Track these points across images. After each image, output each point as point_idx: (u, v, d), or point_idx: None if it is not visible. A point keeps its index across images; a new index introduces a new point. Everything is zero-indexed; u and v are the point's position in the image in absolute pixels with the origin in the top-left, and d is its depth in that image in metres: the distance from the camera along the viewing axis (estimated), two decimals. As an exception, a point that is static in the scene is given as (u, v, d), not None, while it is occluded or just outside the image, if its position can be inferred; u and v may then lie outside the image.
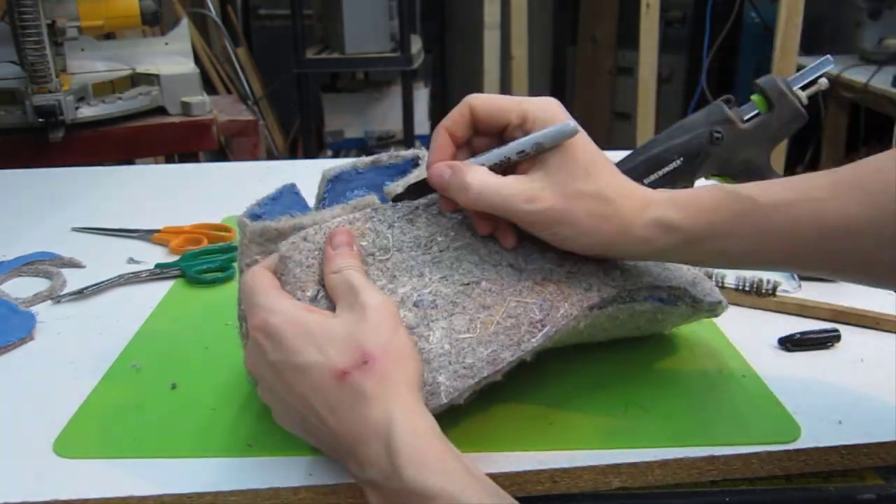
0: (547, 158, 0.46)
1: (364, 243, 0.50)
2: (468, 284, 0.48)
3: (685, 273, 0.56)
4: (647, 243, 0.47)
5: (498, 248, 0.50)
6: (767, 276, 0.68)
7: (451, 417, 0.52)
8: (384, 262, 0.49)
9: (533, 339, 0.47)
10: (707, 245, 0.47)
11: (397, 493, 0.38)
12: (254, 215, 0.54)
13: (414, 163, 0.57)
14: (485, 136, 0.49)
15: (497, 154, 0.48)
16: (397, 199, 0.51)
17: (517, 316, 0.47)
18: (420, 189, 0.51)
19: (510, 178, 0.47)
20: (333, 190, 0.56)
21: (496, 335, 0.47)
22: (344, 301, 0.45)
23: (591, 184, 0.46)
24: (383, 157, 0.58)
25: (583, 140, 0.47)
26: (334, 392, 0.41)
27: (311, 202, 0.58)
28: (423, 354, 0.46)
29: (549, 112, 0.47)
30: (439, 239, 0.50)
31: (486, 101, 0.48)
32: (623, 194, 0.47)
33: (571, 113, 0.49)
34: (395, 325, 0.44)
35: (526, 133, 0.47)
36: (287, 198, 0.57)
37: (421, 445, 0.39)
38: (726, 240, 0.47)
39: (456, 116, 0.48)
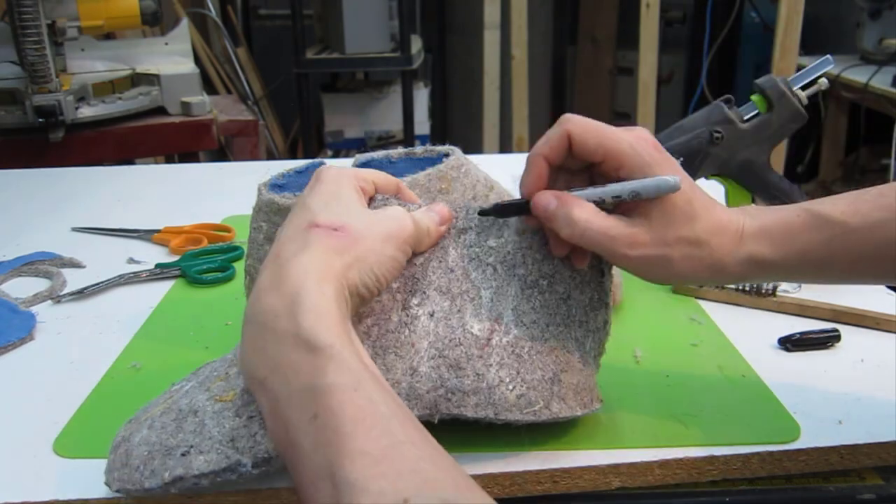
0: (648, 205, 0.47)
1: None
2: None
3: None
4: (740, 278, 0.49)
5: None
6: (767, 276, 0.68)
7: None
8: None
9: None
10: (800, 273, 0.49)
11: (284, 335, 0.39)
12: (274, 185, 0.57)
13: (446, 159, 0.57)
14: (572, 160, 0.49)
15: (593, 193, 0.47)
16: (483, 213, 0.51)
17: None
18: (508, 209, 0.50)
19: (614, 220, 0.47)
20: None
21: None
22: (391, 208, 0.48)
23: (689, 230, 0.47)
24: (418, 149, 0.59)
25: (683, 185, 0.47)
26: (294, 233, 0.44)
27: None
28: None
29: (646, 157, 0.46)
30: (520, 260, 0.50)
31: (584, 133, 0.47)
32: (717, 232, 0.47)
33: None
34: (387, 238, 0.45)
35: (619, 177, 0.47)
36: (313, 173, 0.58)
37: (323, 307, 0.40)
38: (820, 267, 0.47)
39: (554, 144, 0.48)
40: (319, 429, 0.36)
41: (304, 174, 0.58)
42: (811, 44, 2.31)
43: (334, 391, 0.37)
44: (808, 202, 0.48)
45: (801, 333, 0.61)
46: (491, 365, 0.47)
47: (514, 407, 0.46)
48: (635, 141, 0.47)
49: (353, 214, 0.45)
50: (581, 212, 0.46)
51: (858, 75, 2.28)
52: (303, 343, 0.38)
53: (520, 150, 2.61)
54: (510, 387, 0.46)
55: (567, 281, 0.50)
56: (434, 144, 0.59)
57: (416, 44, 2.64)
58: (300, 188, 0.56)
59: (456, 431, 0.50)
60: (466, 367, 0.46)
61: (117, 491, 0.44)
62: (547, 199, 0.48)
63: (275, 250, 0.43)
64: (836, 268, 0.47)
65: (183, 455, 0.43)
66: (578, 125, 0.47)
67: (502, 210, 0.50)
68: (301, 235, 0.43)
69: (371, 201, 0.49)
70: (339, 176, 0.47)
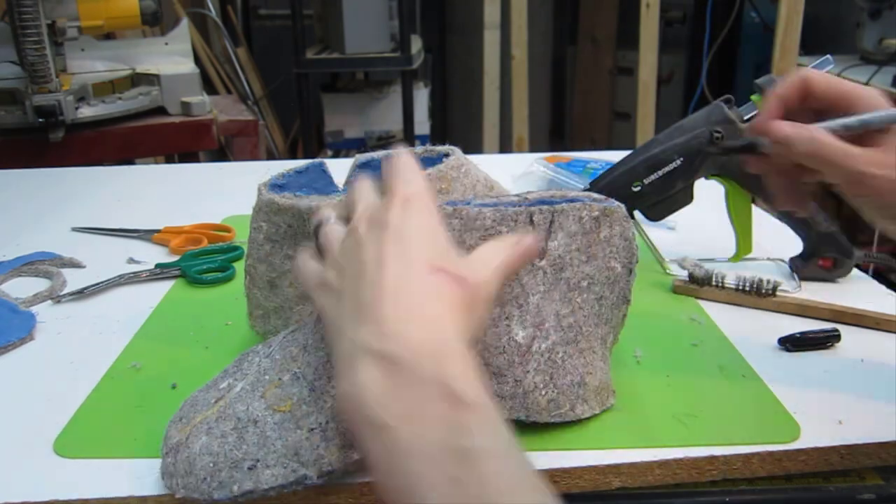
0: (879, 136, 0.48)
1: None
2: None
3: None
4: None
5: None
6: (767, 277, 0.68)
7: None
8: None
9: None
10: None
11: (429, 381, 0.35)
12: (274, 185, 0.57)
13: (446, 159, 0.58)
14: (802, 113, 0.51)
15: (825, 125, 0.49)
16: (726, 150, 0.53)
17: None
18: (736, 149, 0.54)
19: (851, 145, 0.48)
20: (360, 175, 0.57)
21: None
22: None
23: None
24: (418, 149, 0.59)
25: None
26: (419, 275, 0.38)
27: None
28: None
29: (875, 98, 0.49)
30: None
31: (827, 84, 0.50)
32: None
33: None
34: (494, 297, 0.41)
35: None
36: (314, 173, 0.59)
37: (469, 359, 0.36)
38: None
39: (792, 87, 0.50)
40: (461, 495, 0.32)
41: (303, 174, 0.59)
42: (811, 44, 2.31)
43: (484, 457, 0.33)
44: None
45: (801, 333, 0.61)
46: (528, 371, 0.48)
47: (543, 410, 0.48)
48: (865, 90, 0.49)
49: (464, 263, 0.41)
50: (820, 132, 0.48)
51: (858, 75, 2.28)
52: (450, 394, 0.34)
53: (520, 150, 2.61)
54: (543, 392, 0.48)
55: (603, 282, 0.51)
56: (434, 144, 0.59)
57: (416, 44, 2.64)
58: (300, 188, 0.57)
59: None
60: (507, 374, 0.47)
61: (181, 497, 0.44)
62: (785, 124, 0.49)
63: (388, 282, 0.38)
64: None
65: (250, 469, 0.43)
66: (819, 75, 0.50)
67: (730, 149, 0.53)
68: (425, 279, 0.38)
69: None
70: (431, 204, 0.42)
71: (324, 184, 0.59)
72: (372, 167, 0.58)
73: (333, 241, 0.44)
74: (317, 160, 0.60)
